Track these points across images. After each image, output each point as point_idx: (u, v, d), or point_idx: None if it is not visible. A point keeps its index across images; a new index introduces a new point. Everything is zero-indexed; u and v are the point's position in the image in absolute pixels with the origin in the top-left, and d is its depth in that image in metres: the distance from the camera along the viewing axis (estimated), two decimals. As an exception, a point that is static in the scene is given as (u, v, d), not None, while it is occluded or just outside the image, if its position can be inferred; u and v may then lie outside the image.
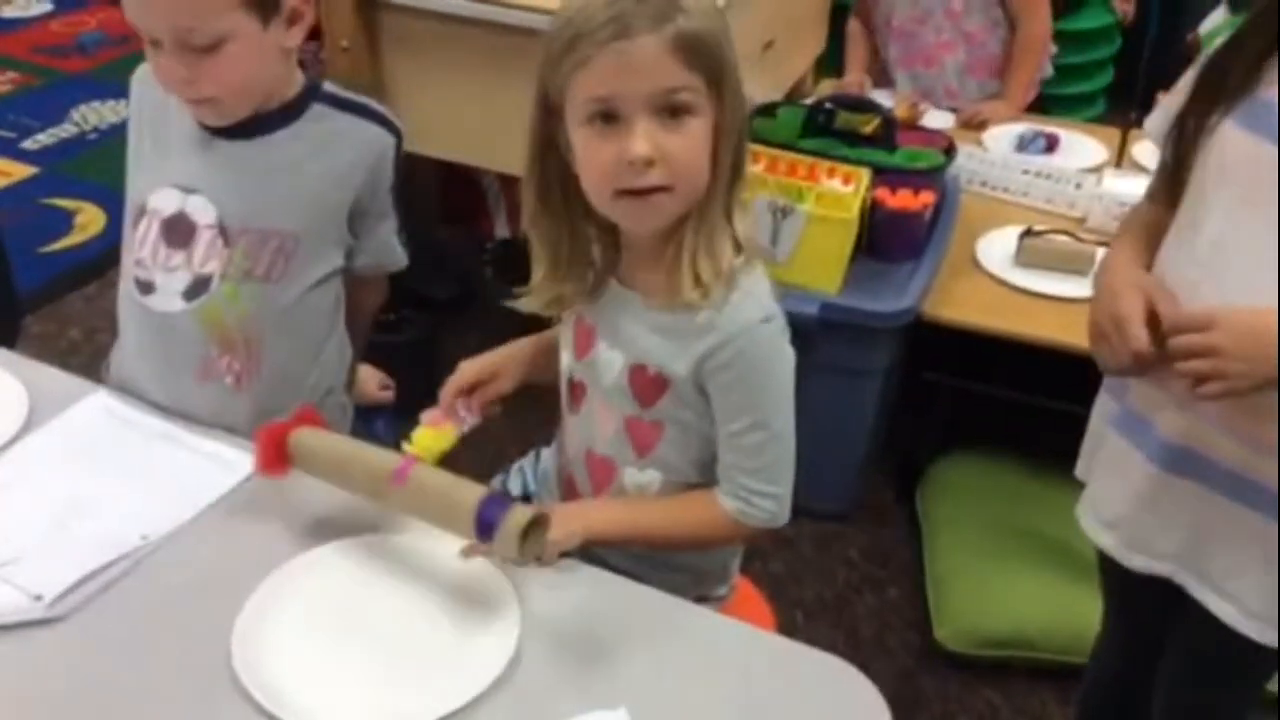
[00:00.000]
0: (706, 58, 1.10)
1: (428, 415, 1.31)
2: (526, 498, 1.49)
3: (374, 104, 1.48)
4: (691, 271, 1.16)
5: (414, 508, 1.19)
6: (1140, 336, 1.21)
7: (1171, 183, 1.28)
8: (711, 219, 1.16)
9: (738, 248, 1.18)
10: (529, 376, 1.39)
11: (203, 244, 1.41)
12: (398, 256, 1.55)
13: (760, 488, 1.24)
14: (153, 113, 1.45)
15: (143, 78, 1.45)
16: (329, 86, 1.47)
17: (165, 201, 1.42)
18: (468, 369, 1.35)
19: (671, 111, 1.10)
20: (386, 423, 1.80)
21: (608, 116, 1.10)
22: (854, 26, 2.92)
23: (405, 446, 1.24)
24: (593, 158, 1.13)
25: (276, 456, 1.24)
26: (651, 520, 1.29)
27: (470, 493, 1.14)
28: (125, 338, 1.51)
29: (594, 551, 1.32)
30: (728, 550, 1.41)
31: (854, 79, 2.83)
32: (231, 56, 1.31)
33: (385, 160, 1.47)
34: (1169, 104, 1.30)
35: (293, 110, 1.42)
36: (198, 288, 1.42)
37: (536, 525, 1.11)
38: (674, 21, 1.08)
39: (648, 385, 1.24)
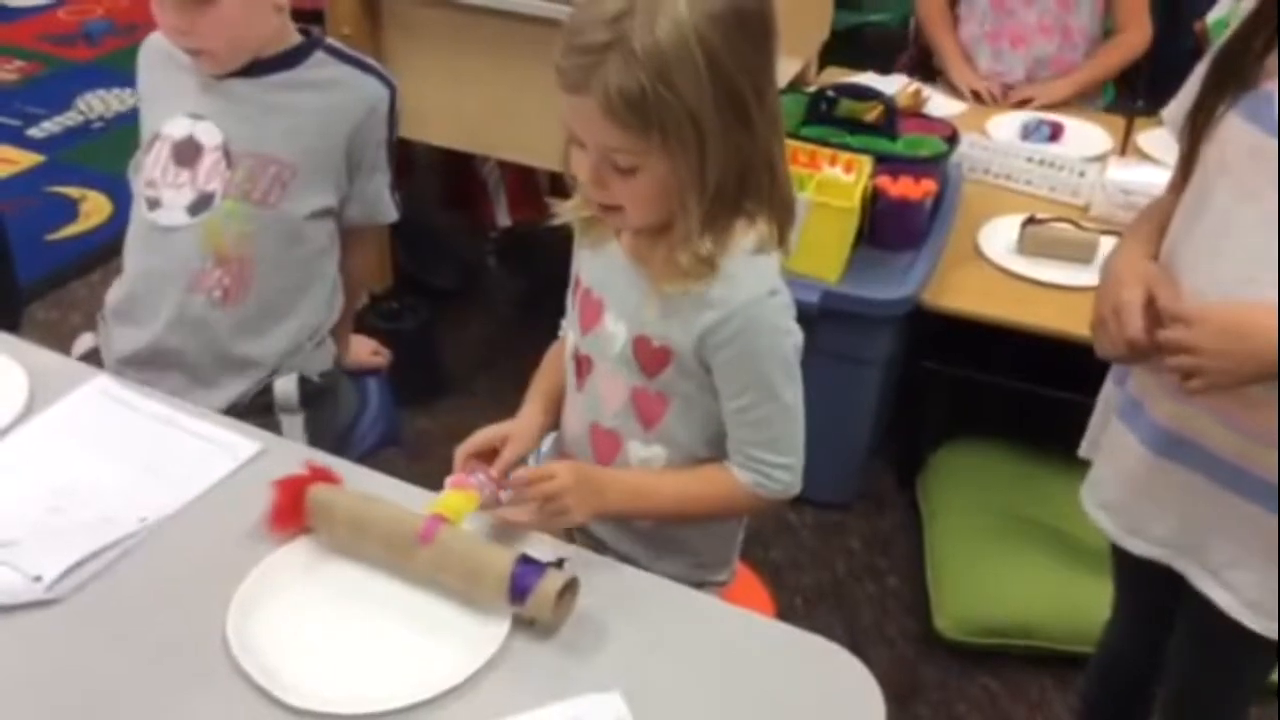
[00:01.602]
0: (646, 114, 1.07)
1: (451, 479, 1.27)
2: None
3: (373, 61, 1.59)
4: (675, 264, 1.16)
5: (439, 568, 1.16)
6: (1136, 324, 1.22)
7: (1185, 174, 1.29)
8: (703, 225, 1.15)
9: (760, 235, 1.18)
10: (544, 435, 1.39)
11: (207, 164, 1.52)
12: (389, 210, 1.64)
13: (775, 459, 1.24)
14: (162, 60, 1.57)
15: (148, 43, 1.59)
16: (330, 40, 1.58)
17: (176, 127, 1.55)
18: (479, 433, 1.32)
19: (615, 165, 1.12)
20: (380, 383, 1.83)
21: (577, 138, 1.15)
22: (934, 7, 2.89)
23: (430, 508, 1.20)
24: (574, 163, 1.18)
25: (292, 510, 1.21)
26: (666, 492, 1.29)
27: (501, 555, 1.13)
28: (127, 259, 1.61)
29: (594, 535, 1.33)
30: (728, 536, 1.41)
31: (963, 71, 2.82)
32: (225, 9, 1.43)
33: (379, 111, 1.57)
34: (1185, 95, 1.31)
35: (293, 57, 1.54)
36: (201, 204, 1.53)
37: (568, 590, 1.12)
38: (613, 77, 1.06)
39: (652, 356, 1.24)
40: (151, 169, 1.55)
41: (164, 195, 1.54)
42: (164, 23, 1.46)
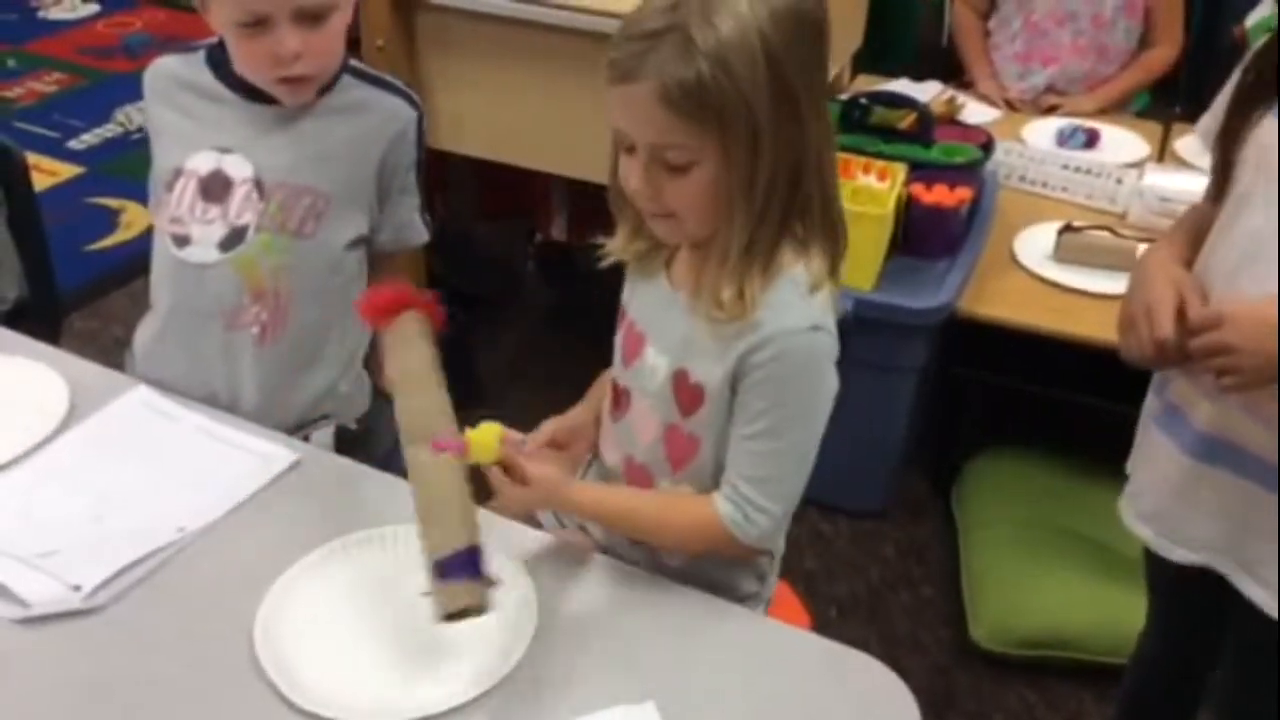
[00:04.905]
0: (704, 102, 1.05)
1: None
2: None
3: (398, 81, 1.55)
4: (719, 289, 1.14)
5: (417, 479, 1.11)
6: (1166, 325, 1.22)
7: (1220, 182, 1.28)
8: (749, 242, 1.13)
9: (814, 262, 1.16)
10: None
11: (239, 197, 1.47)
12: (420, 233, 1.60)
13: (758, 500, 1.19)
14: (175, 91, 1.52)
15: (155, 73, 1.55)
16: (355, 63, 1.53)
17: (202, 162, 1.49)
18: (547, 425, 1.33)
19: (667, 163, 1.11)
20: None
21: (626, 142, 1.13)
22: (967, 20, 2.90)
23: (467, 430, 1.16)
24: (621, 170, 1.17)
25: (387, 310, 1.24)
26: (636, 505, 1.28)
27: (458, 527, 1.06)
28: (156, 296, 1.56)
29: (615, 550, 1.32)
30: (754, 575, 1.35)
31: (990, 86, 2.83)
32: (335, 25, 1.40)
33: (409, 133, 1.53)
34: (1217, 106, 1.31)
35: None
36: (234, 238, 1.47)
37: (466, 614, 1.03)
38: (670, 64, 1.04)
39: (689, 393, 1.22)
40: (177, 206, 1.49)
41: (193, 231, 1.48)
42: (277, 53, 1.37)
